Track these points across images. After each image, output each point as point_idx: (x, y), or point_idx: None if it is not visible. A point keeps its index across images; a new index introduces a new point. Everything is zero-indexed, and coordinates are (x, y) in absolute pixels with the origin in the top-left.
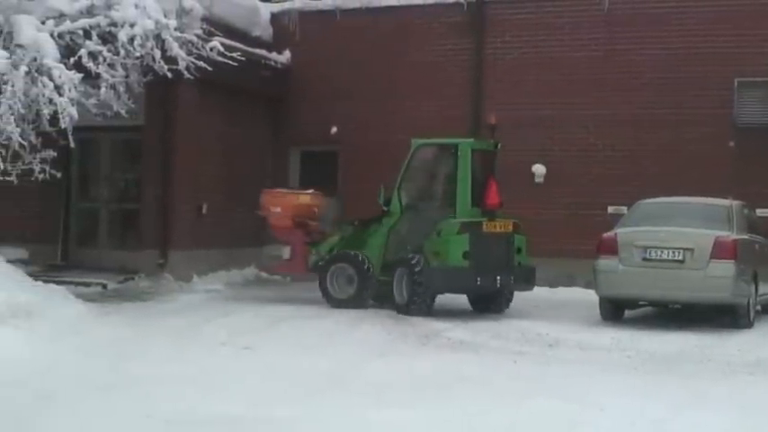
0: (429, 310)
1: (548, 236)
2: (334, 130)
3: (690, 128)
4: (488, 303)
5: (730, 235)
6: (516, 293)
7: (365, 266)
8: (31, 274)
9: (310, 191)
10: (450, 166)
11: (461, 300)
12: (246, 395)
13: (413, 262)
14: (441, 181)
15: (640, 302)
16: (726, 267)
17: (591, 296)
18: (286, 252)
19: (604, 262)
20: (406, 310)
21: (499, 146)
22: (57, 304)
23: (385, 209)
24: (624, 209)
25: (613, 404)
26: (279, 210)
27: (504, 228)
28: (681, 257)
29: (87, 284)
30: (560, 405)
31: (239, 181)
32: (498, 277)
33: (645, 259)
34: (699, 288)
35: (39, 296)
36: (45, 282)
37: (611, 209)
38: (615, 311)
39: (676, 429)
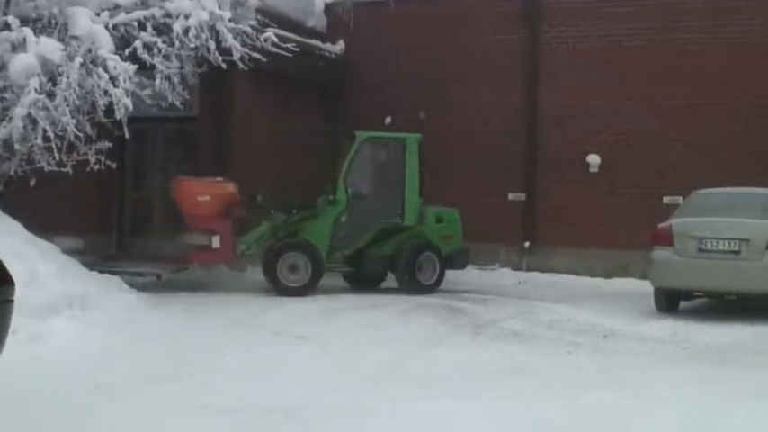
0: None
1: (602, 226)
2: (388, 120)
3: (747, 118)
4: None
5: None
6: None
7: (318, 255)
8: (85, 265)
9: (220, 179)
10: (398, 160)
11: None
12: (301, 385)
13: (431, 244)
14: (387, 173)
15: (696, 293)
16: None
17: (646, 287)
18: (216, 241)
19: (659, 253)
20: (429, 288)
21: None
22: (111, 294)
23: (331, 198)
24: (680, 199)
25: (668, 396)
26: (208, 198)
27: None
28: (736, 248)
29: (142, 274)
30: (615, 396)
31: (293, 171)
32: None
33: (700, 250)
34: (754, 279)
35: (94, 286)
36: (100, 272)
37: (666, 199)
38: (670, 302)
39: (731, 422)
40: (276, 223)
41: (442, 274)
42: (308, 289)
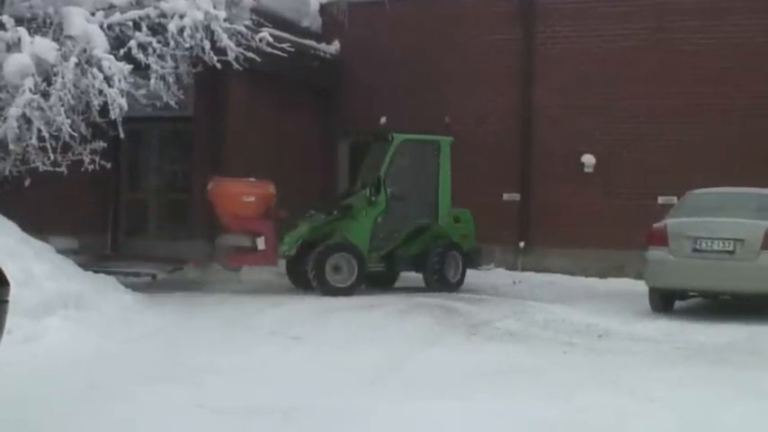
0: None
1: (597, 226)
2: (383, 120)
3: (742, 119)
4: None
5: None
6: None
7: (362, 255)
8: (80, 265)
9: (252, 179)
10: (431, 161)
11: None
12: (296, 386)
13: (456, 244)
14: (421, 174)
15: (690, 293)
16: None
17: (641, 287)
18: (261, 243)
19: (654, 252)
20: (455, 286)
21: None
22: (106, 294)
23: (372, 199)
24: (674, 199)
25: (664, 395)
26: (253, 199)
27: None
28: (731, 248)
29: (137, 275)
30: (610, 396)
31: (288, 172)
32: None
33: (695, 250)
34: (749, 279)
35: (89, 286)
36: (95, 272)
37: (661, 199)
38: (665, 302)
39: (727, 421)
40: (316, 224)
41: (464, 273)
42: (354, 289)
